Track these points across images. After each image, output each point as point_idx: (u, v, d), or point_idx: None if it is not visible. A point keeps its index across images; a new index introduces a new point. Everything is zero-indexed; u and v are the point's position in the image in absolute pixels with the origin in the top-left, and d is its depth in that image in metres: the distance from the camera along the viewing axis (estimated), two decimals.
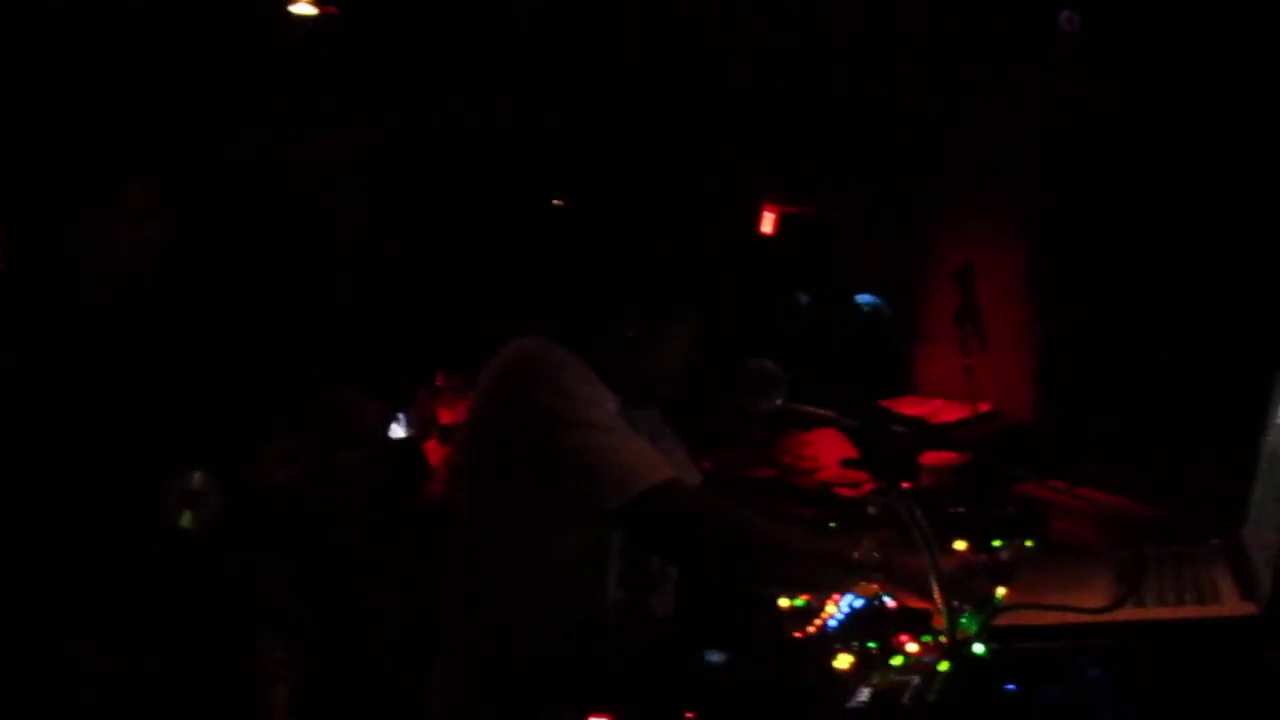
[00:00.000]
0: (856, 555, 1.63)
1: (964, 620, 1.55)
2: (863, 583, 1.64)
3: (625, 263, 1.80)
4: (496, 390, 1.73)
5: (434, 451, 3.40)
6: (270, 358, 3.13)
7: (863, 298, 4.14)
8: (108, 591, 2.14)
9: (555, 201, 5.24)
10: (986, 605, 1.60)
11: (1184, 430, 2.98)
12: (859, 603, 1.74)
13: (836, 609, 1.75)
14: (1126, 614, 1.48)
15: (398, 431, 3.14)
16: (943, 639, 1.52)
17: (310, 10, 3.46)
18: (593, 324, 1.76)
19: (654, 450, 1.70)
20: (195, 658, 2.38)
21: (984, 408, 3.40)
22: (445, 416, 3.42)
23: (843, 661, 1.58)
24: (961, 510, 2.26)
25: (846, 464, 3.17)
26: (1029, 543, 2.01)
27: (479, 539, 1.77)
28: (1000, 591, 1.67)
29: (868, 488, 2.96)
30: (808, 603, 1.78)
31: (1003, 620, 1.53)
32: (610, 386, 1.73)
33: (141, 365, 2.29)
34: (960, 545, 1.95)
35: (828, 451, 3.24)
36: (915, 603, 1.61)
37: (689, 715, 1.51)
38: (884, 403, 3.52)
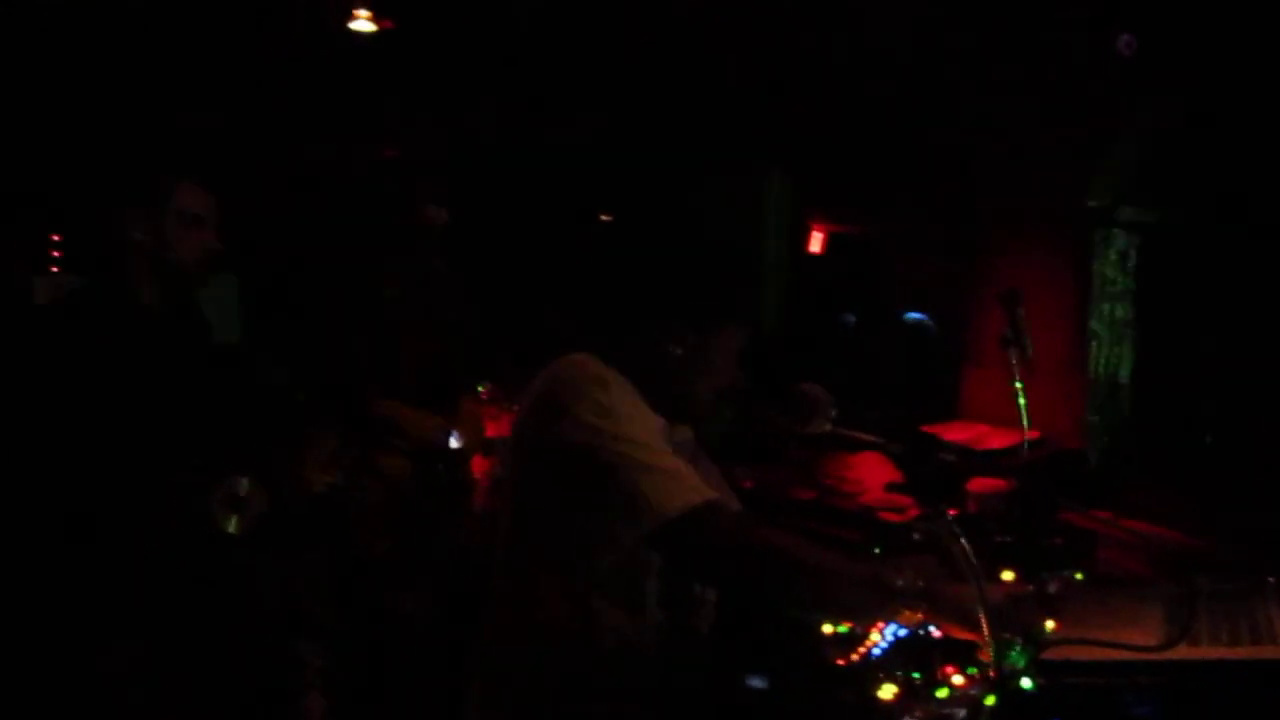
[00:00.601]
0: (900, 583, 1.61)
1: (1011, 653, 1.52)
2: (905, 611, 1.62)
3: (672, 278, 1.80)
4: (540, 406, 1.73)
5: (478, 464, 3.42)
6: (316, 363, 3.17)
7: (911, 315, 4.11)
8: (151, 596, 2.16)
9: (604, 216, 5.27)
10: (1034, 638, 1.58)
11: (1234, 462, 2.93)
12: (903, 631, 1.72)
13: (880, 637, 1.74)
14: (1179, 652, 1.45)
15: (453, 443, 3.16)
16: (989, 672, 1.50)
17: (369, 26, 3.51)
18: (638, 339, 1.77)
19: (694, 472, 1.70)
20: (233, 663, 2.40)
21: (1032, 434, 3.36)
22: (490, 429, 3.44)
23: (886, 691, 1.56)
24: (1009, 539, 2.24)
25: (891, 488, 3.14)
26: (1078, 575, 1.98)
27: (519, 554, 1.77)
28: (1048, 624, 1.64)
29: (912, 513, 2.94)
30: (851, 629, 1.76)
31: (1051, 654, 1.51)
32: (653, 404, 1.74)
33: (191, 367, 2.32)
34: (1008, 575, 1.92)
35: (872, 475, 3.22)
36: (960, 634, 1.59)
37: None
38: (929, 428, 3.49)
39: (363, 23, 3.49)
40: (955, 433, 3.46)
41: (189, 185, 2.28)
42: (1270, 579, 1.75)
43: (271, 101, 4.30)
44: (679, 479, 1.62)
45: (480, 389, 3.58)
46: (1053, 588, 1.81)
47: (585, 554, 1.70)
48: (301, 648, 2.89)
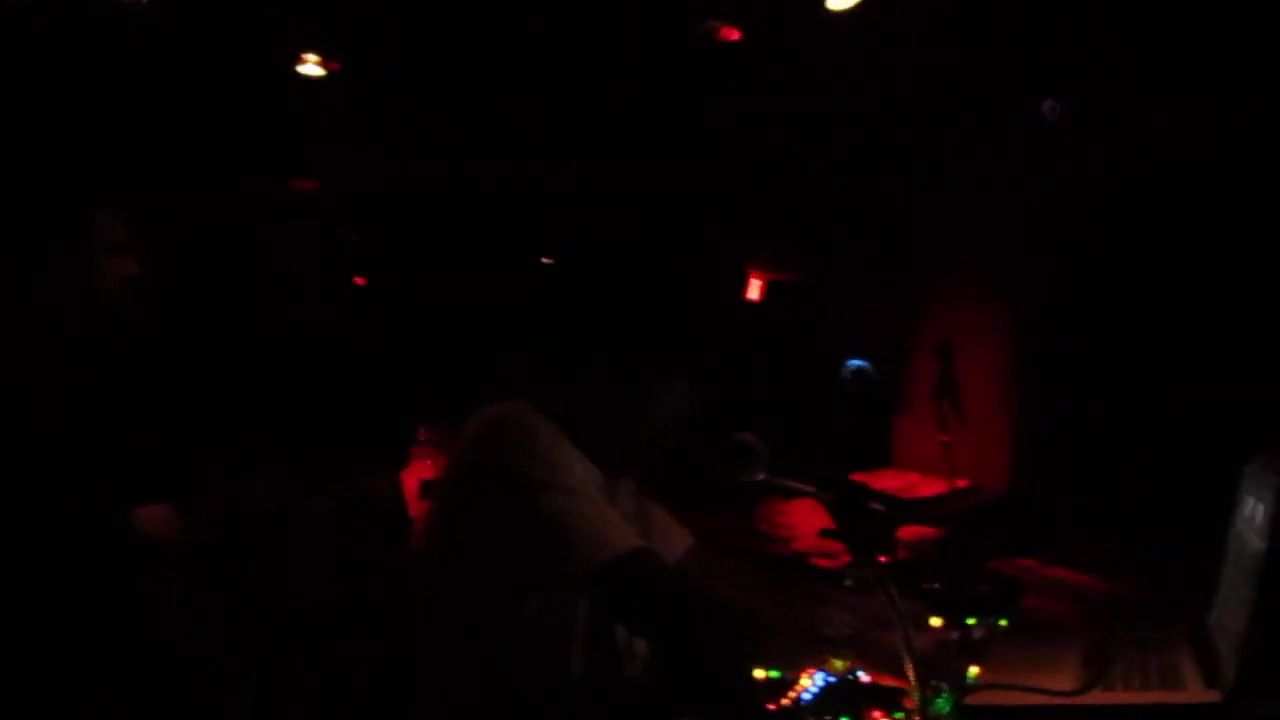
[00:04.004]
0: (828, 630, 1.65)
1: (937, 699, 1.57)
2: (833, 659, 1.66)
3: (612, 328, 1.83)
4: (469, 453, 1.73)
5: (414, 505, 3.41)
6: (255, 390, 3.15)
7: (852, 362, 4.17)
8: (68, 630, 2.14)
9: (544, 259, 5.29)
10: (959, 683, 1.63)
11: (1155, 511, 3.02)
12: (832, 677, 1.76)
13: (810, 682, 1.77)
14: (1094, 697, 1.51)
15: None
16: (915, 716, 1.54)
17: (318, 71, 3.52)
18: (576, 388, 1.79)
19: (624, 519, 1.71)
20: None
21: (961, 483, 3.44)
22: (428, 472, 3.44)
23: None
24: (937, 586, 2.29)
25: (824, 534, 3.19)
26: (1002, 621, 2.04)
27: (446, 599, 1.77)
28: (973, 670, 1.69)
29: (844, 559, 2.99)
30: (781, 674, 1.80)
31: (974, 699, 1.56)
32: (589, 454, 1.75)
33: (120, 395, 2.31)
34: (935, 621, 1.98)
35: (806, 521, 3.26)
36: (888, 679, 1.63)
37: None
38: (862, 476, 3.55)
39: (311, 66, 3.51)
40: (886, 480, 3.53)
41: (109, 215, 2.27)
42: (1184, 625, 1.81)
43: (198, 132, 4.27)
44: (609, 525, 1.63)
45: (417, 430, 3.59)
46: (978, 634, 1.87)
47: (514, 598, 1.69)
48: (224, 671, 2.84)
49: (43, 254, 2.21)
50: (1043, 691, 1.52)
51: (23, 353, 2.18)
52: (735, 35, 3.22)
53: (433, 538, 1.81)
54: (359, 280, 5.15)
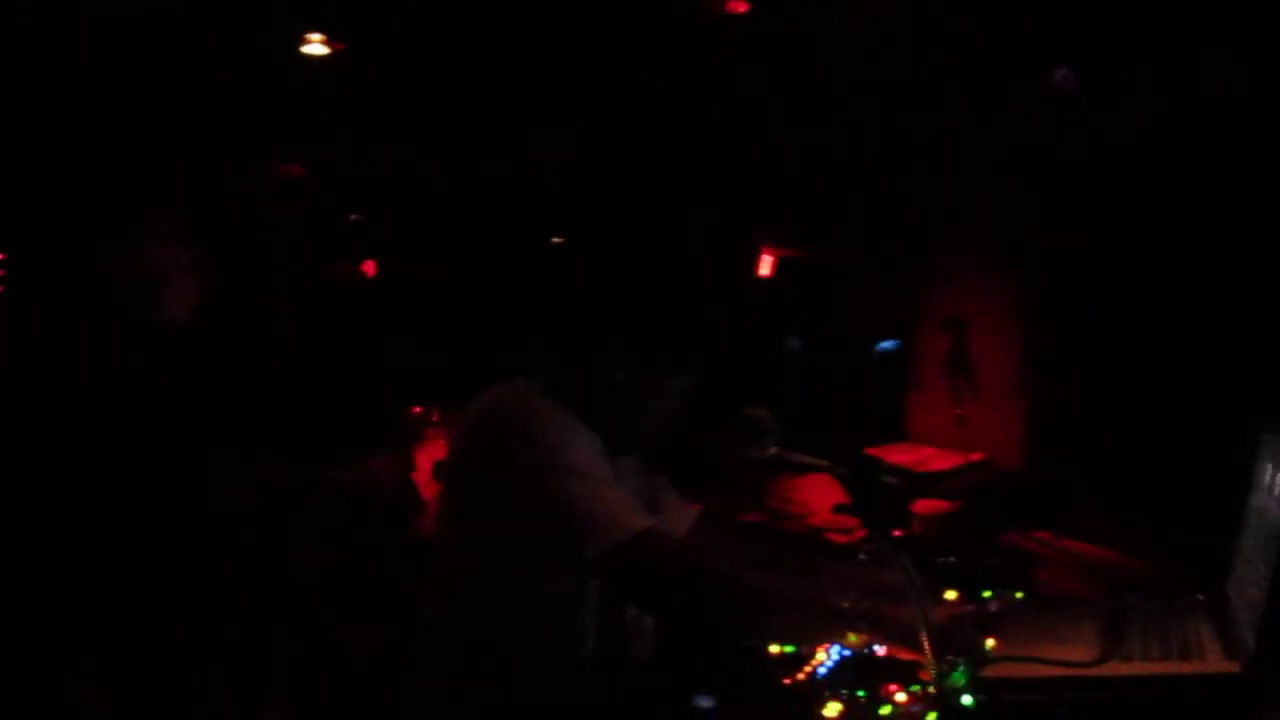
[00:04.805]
0: (843, 605, 1.64)
1: (953, 672, 1.56)
2: (849, 633, 1.66)
3: (620, 309, 1.82)
4: (475, 437, 1.73)
5: (427, 487, 3.42)
6: (261, 376, 3.15)
7: (883, 344, 4.16)
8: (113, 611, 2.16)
9: (554, 239, 5.29)
10: (974, 657, 1.62)
11: (1170, 483, 3.00)
12: (848, 651, 1.75)
13: (826, 656, 1.77)
14: (1111, 668, 1.50)
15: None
16: (931, 690, 1.53)
17: (322, 50, 3.51)
18: (583, 369, 1.77)
19: (633, 499, 1.71)
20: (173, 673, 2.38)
21: (975, 457, 3.42)
22: (441, 452, 3.44)
23: (831, 710, 1.60)
24: (952, 560, 2.28)
25: (838, 510, 3.19)
26: (1018, 594, 2.03)
27: (456, 581, 1.77)
28: (989, 643, 1.69)
29: (859, 534, 2.98)
30: (796, 650, 1.80)
31: (990, 672, 1.55)
32: (598, 433, 1.73)
33: (174, 385, 2.33)
34: (950, 595, 1.97)
35: (819, 497, 3.26)
36: (904, 653, 1.63)
37: None
38: (875, 450, 3.55)
39: (316, 46, 3.49)
40: (900, 455, 3.52)
41: (158, 203, 2.29)
42: (1200, 596, 1.80)
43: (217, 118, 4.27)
44: (619, 505, 1.63)
45: (430, 412, 3.59)
46: (993, 607, 1.86)
47: (524, 581, 1.70)
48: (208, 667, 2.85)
49: (95, 248, 2.22)
50: (1059, 663, 1.51)
51: (87, 346, 2.20)
52: (743, 8, 3.20)
53: (443, 521, 1.81)
54: (369, 264, 5.15)
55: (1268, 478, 1.64)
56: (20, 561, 2.10)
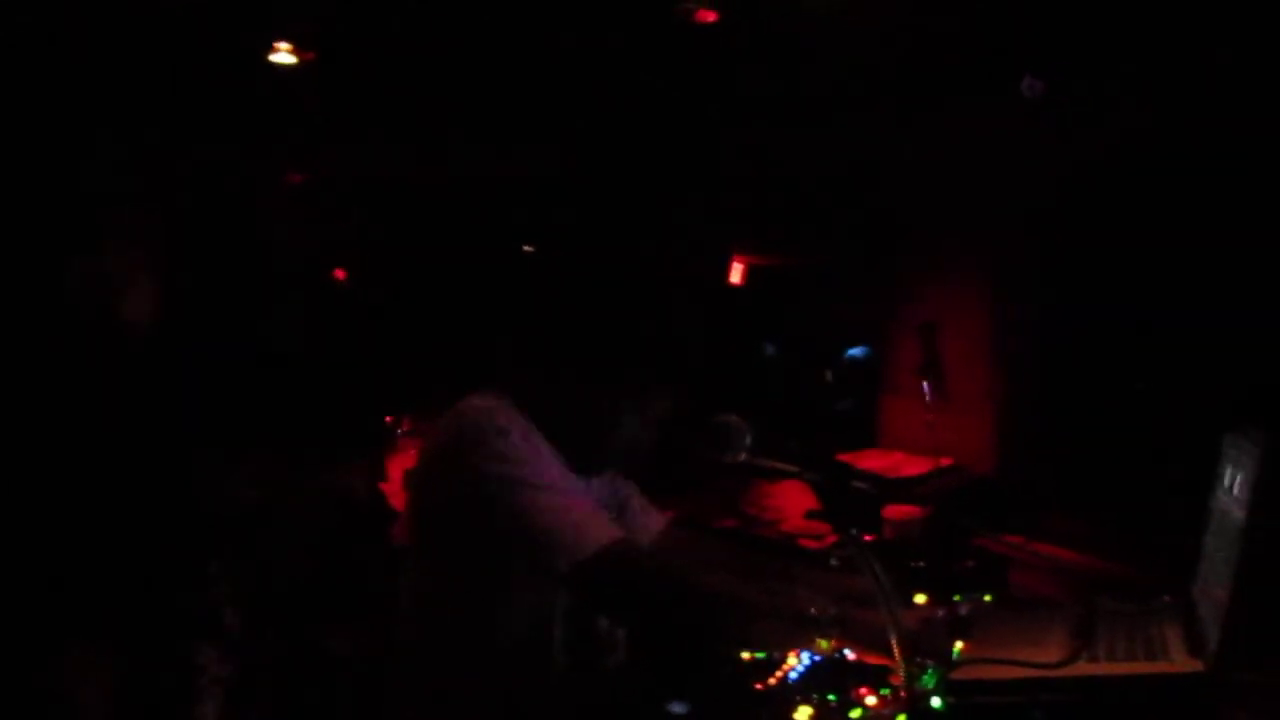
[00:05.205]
0: (813, 611, 1.65)
1: (923, 675, 1.57)
2: (820, 638, 1.66)
3: (594, 334, 1.79)
4: (441, 453, 1.73)
5: (398, 496, 3.41)
6: (250, 379, 3.14)
7: (852, 351, 4.19)
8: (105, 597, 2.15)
9: (526, 247, 5.28)
10: (945, 659, 1.63)
11: (1139, 486, 3.03)
12: (819, 656, 1.76)
13: (797, 661, 1.78)
14: (1079, 669, 1.52)
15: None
16: (901, 693, 1.54)
17: (290, 59, 3.49)
18: (554, 388, 1.76)
19: (601, 510, 1.71)
20: (139, 663, 2.36)
21: (945, 462, 3.45)
22: (411, 461, 3.43)
23: (802, 714, 1.60)
24: (922, 564, 2.30)
25: (810, 515, 3.20)
26: (988, 597, 2.04)
27: (427, 594, 1.77)
28: (958, 646, 1.70)
29: (830, 539, 2.99)
30: (768, 655, 1.80)
31: (960, 674, 1.56)
32: (562, 454, 1.72)
33: (132, 383, 2.32)
34: (921, 599, 1.98)
35: (791, 503, 3.27)
36: (874, 657, 1.64)
37: None
38: (846, 456, 3.56)
39: (284, 55, 3.47)
40: (871, 460, 3.54)
41: (119, 207, 2.28)
42: (1167, 598, 1.82)
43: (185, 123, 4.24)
44: (587, 518, 1.63)
45: (402, 420, 3.58)
46: (964, 610, 1.87)
47: (492, 598, 1.69)
48: (202, 652, 2.84)
49: (54, 250, 2.21)
50: (1028, 664, 1.52)
51: (46, 347, 2.19)
52: (712, 17, 3.20)
53: (412, 533, 1.81)
54: (339, 273, 5.13)
55: (1228, 480, 1.66)
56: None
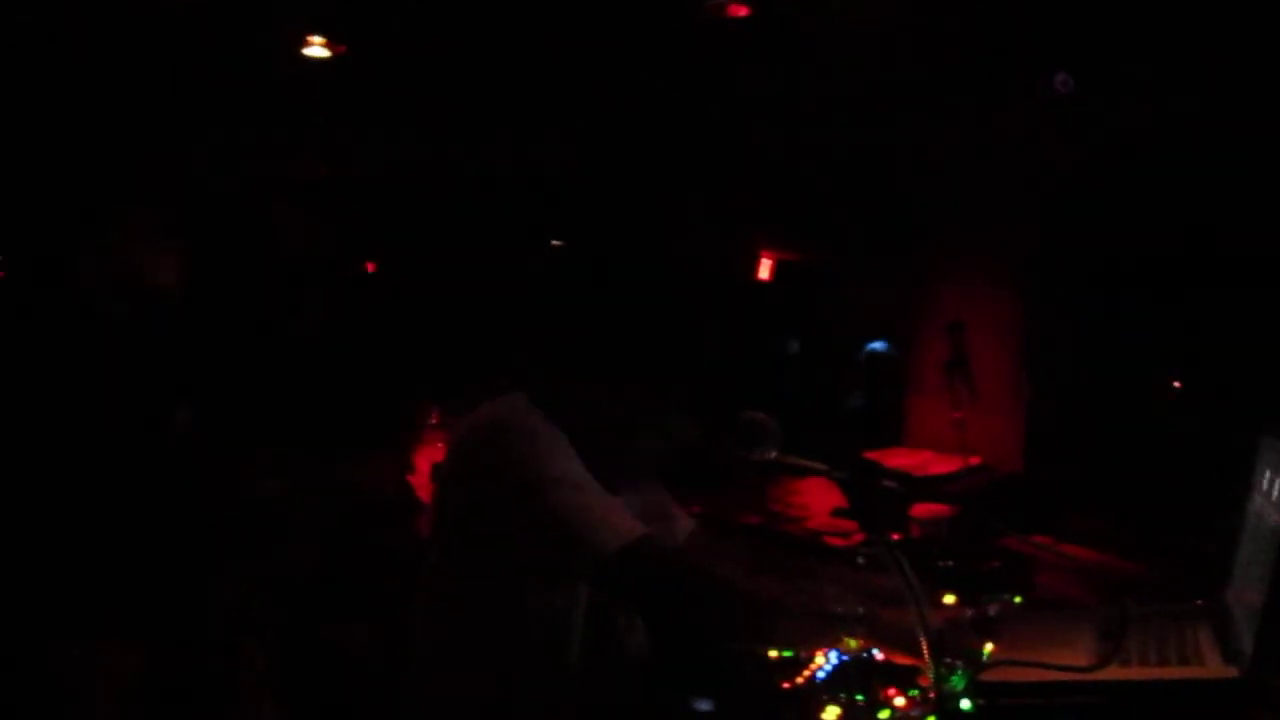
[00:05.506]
0: (839, 610, 1.64)
1: (951, 676, 1.56)
2: (847, 637, 1.66)
3: (620, 345, 1.78)
4: (468, 454, 1.73)
5: (425, 489, 3.42)
6: (275, 371, 3.16)
7: (872, 345, 4.17)
8: (107, 591, 2.17)
9: (554, 241, 5.29)
10: (973, 661, 1.62)
11: (1169, 487, 3.01)
12: (846, 655, 1.75)
13: (824, 660, 1.77)
14: (1110, 673, 1.50)
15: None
16: (930, 694, 1.53)
17: (324, 52, 3.51)
18: (580, 397, 1.74)
19: (624, 506, 1.70)
20: (181, 660, 2.38)
21: (974, 461, 3.43)
22: (439, 454, 3.44)
23: (830, 714, 1.60)
24: (950, 564, 2.28)
25: (836, 513, 3.19)
26: (1017, 598, 2.03)
27: (448, 588, 1.77)
28: (987, 647, 1.68)
29: (857, 538, 2.98)
30: (795, 654, 1.79)
31: (989, 676, 1.55)
32: (584, 462, 1.70)
33: (152, 377, 2.34)
34: (949, 599, 1.97)
35: (817, 500, 3.26)
36: (902, 657, 1.63)
37: None
38: (873, 454, 3.55)
39: (317, 49, 3.49)
40: (899, 459, 3.52)
41: (147, 200, 2.30)
42: (1199, 601, 1.80)
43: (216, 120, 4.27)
44: (611, 515, 1.63)
45: (431, 414, 3.59)
46: (992, 611, 1.86)
47: (514, 593, 1.69)
48: (247, 648, 2.86)
49: (79, 243, 2.23)
50: (1058, 667, 1.50)
51: (67, 340, 2.21)
52: (743, 12, 3.20)
53: (436, 528, 1.81)
54: (369, 266, 5.15)
55: (1265, 483, 1.64)
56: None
